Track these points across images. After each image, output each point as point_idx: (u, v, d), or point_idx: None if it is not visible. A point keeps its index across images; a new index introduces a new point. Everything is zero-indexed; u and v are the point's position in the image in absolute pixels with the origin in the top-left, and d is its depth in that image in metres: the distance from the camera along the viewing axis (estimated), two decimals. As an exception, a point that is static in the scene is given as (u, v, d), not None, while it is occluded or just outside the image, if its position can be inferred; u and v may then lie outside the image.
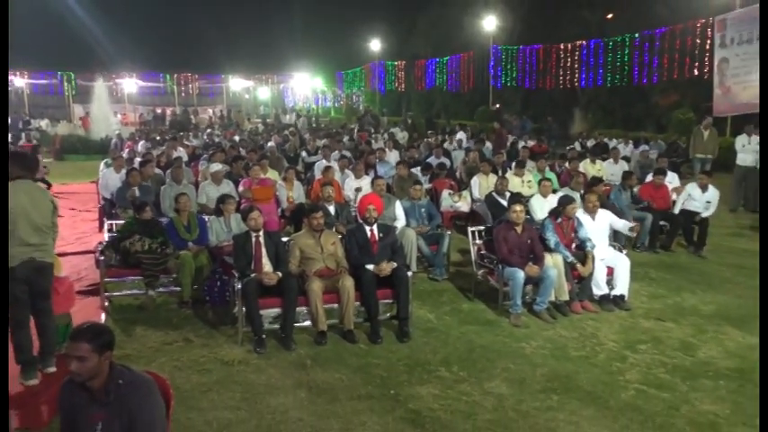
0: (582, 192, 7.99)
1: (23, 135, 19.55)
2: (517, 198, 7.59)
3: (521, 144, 15.61)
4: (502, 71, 29.52)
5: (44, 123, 25.55)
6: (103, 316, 5.90)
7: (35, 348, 4.68)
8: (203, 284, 6.27)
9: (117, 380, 2.61)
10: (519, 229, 6.11)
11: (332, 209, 7.42)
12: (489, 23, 28.54)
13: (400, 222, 7.31)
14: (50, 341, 4.76)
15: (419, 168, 11.00)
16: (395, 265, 5.66)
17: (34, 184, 4.80)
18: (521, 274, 5.82)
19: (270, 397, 4.33)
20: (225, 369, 4.78)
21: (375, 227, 6.04)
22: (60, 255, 7.99)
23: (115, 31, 39.90)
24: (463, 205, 9.23)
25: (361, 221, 6.24)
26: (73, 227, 9.93)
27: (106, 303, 6.19)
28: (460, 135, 17.30)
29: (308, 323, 5.48)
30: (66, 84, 31.72)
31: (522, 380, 4.64)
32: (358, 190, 8.92)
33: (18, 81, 30.85)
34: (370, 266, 5.62)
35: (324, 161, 11.11)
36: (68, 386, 2.65)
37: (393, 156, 12.94)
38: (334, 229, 6.67)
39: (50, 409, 4.05)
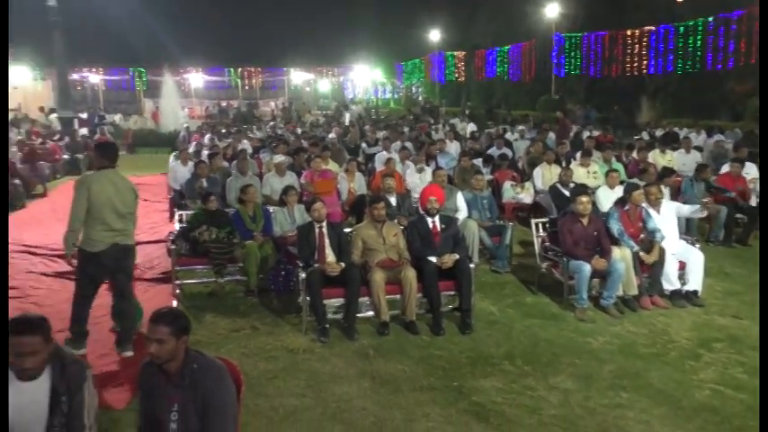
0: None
1: (98, 129, 20.48)
2: (582, 189, 7.39)
3: (585, 134, 15.17)
4: (565, 59, 28.72)
5: (117, 118, 26.72)
6: (175, 303, 6.13)
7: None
8: (268, 274, 6.42)
9: (192, 364, 2.71)
10: (585, 220, 5.95)
11: (393, 200, 7.43)
12: (552, 11, 27.83)
13: (462, 214, 7.26)
14: (129, 326, 5.03)
15: (480, 160, 10.87)
16: (457, 256, 5.63)
17: (118, 174, 5.06)
18: (587, 267, 5.67)
19: (334, 385, 4.40)
20: (290, 357, 4.89)
21: (437, 218, 6.02)
22: (135, 243, 8.42)
23: (183, 29, 41.21)
24: (526, 197, 9.05)
25: (422, 213, 6.23)
26: (146, 217, 10.31)
27: (177, 291, 6.43)
28: (522, 126, 17.00)
29: (370, 313, 5.53)
30: (137, 79, 33.09)
31: (588, 376, 4.53)
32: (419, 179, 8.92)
33: (93, 78, 32.40)
34: (433, 258, 5.61)
35: (384, 152, 11.15)
36: (147, 368, 2.78)
37: (453, 147, 12.85)
38: (395, 221, 6.69)
39: (129, 390, 4.24)
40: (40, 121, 21.40)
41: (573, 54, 28.45)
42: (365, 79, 44.50)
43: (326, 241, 5.79)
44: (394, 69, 45.23)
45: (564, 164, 9.84)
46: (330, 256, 5.72)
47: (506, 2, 32.92)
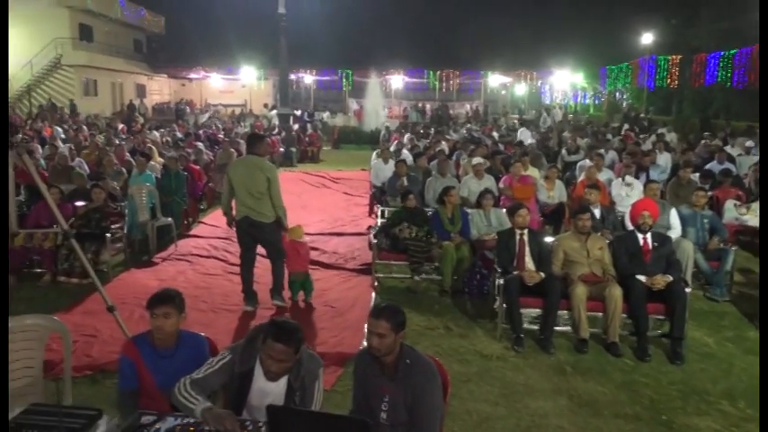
0: None
1: (309, 126, 22.34)
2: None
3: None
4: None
5: (325, 115, 28.90)
6: (373, 294, 6.44)
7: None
8: (463, 276, 6.48)
9: (406, 359, 2.80)
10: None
11: (597, 212, 7.04)
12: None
13: (675, 232, 6.64)
14: (277, 281, 6.05)
15: (697, 174, 9.83)
16: (670, 278, 5.16)
17: (253, 160, 5.89)
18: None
19: (528, 398, 4.29)
20: (483, 362, 4.87)
21: (649, 235, 5.57)
22: (338, 234, 9.03)
23: (388, 32, 43.33)
24: (751, 219, 8.01)
25: (632, 228, 5.81)
26: (347, 210, 11.03)
27: (376, 283, 6.74)
28: (749, 142, 15.06)
29: (567, 328, 5.31)
30: (344, 80, 35.37)
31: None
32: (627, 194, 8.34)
33: (307, 79, 35.36)
34: (642, 277, 5.21)
35: (587, 161, 10.60)
36: (364, 357, 2.94)
37: (664, 158, 11.78)
38: (599, 234, 6.33)
39: (335, 372, 4.53)
40: (265, 116, 23.89)
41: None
42: (564, 83, 42.80)
43: (527, 249, 5.66)
44: (597, 73, 42.87)
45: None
46: (529, 264, 5.59)
47: (735, 1, 29.38)
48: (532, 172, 9.47)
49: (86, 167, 9.62)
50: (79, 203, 7.34)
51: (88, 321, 5.43)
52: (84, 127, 17.70)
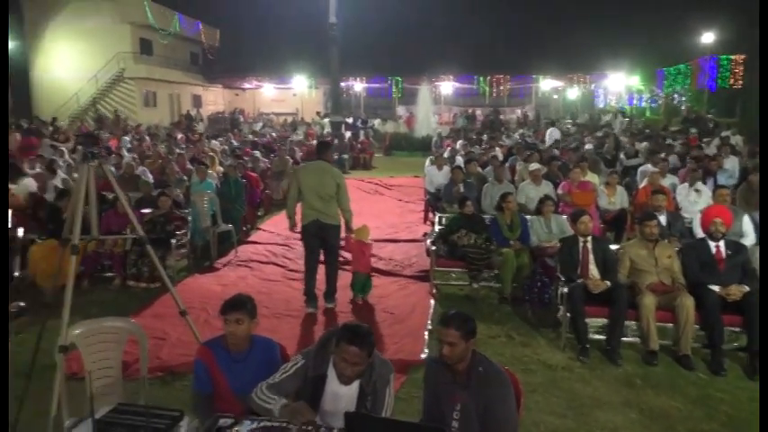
0: None
1: (361, 133, 22.53)
2: None
3: None
4: None
5: (377, 122, 29.08)
6: (432, 302, 6.41)
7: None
8: (523, 283, 6.37)
9: (478, 366, 2.77)
10: None
11: (663, 218, 6.81)
12: None
13: (749, 239, 6.36)
14: (331, 287, 6.23)
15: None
16: (747, 288, 4.94)
17: (322, 165, 6.10)
18: None
19: (597, 410, 4.17)
20: (548, 372, 4.77)
21: (722, 243, 5.36)
22: (393, 241, 9.05)
23: (437, 38, 43.36)
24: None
25: (703, 235, 5.60)
26: (401, 216, 11.04)
27: (434, 290, 6.71)
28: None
29: (635, 339, 5.14)
30: (394, 87, 35.50)
31: None
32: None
33: (357, 86, 35.66)
34: (715, 287, 5.01)
35: (648, 165, 10.29)
36: (435, 364, 2.92)
37: (730, 162, 11.33)
38: (666, 241, 6.12)
39: (398, 379, 4.52)
40: (318, 123, 24.23)
41: None
42: (619, 86, 41.75)
43: (590, 257, 5.53)
44: (654, 75, 41.65)
45: None
46: (594, 272, 5.45)
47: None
48: (591, 177, 9.26)
49: (150, 176, 9.95)
50: (145, 210, 7.62)
51: (157, 324, 5.60)
52: (147, 137, 18.34)
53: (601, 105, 42.06)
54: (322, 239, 6.10)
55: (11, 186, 8.44)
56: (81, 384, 3.48)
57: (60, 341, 3.41)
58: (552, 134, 18.24)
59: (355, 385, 2.80)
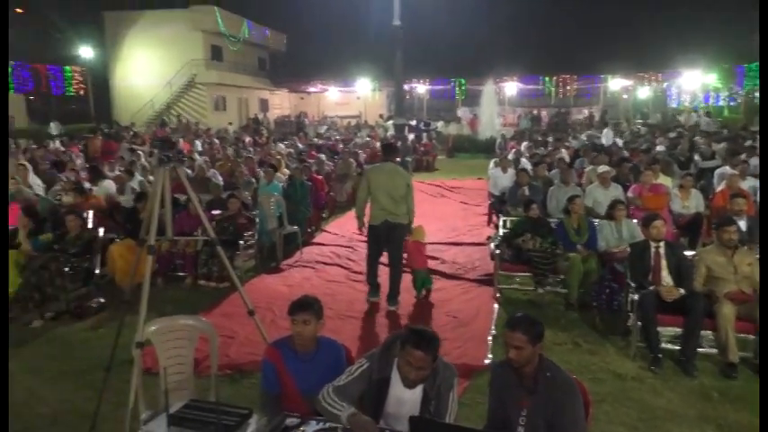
0: None
1: (424, 135, 22.52)
2: None
3: None
4: None
5: (439, 125, 28.98)
6: (496, 306, 6.33)
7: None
8: (590, 289, 6.20)
9: (546, 371, 2.72)
10: None
11: (742, 224, 6.47)
12: None
13: (839, 247, 5.95)
14: (395, 287, 6.32)
15: None
16: (837, 300, 4.62)
17: (393, 166, 6.31)
18: None
19: (671, 424, 4.01)
20: (617, 382, 4.61)
21: (808, 250, 5.04)
22: (456, 244, 8.99)
23: (501, 39, 42.78)
24: None
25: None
26: (465, 219, 10.95)
27: (498, 294, 6.63)
28: None
29: (712, 350, 4.90)
30: (457, 89, 35.30)
31: None
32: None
33: (420, 88, 35.68)
34: (801, 297, 4.71)
35: (727, 168, 9.80)
36: (500, 368, 2.88)
37: (818, 164, 10.63)
38: (746, 248, 5.81)
39: (461, 384, 4.48)
40: (381, 125, 24.38)
41: None
42: (694, 84, 39.92)
43: (663, 262, 5.32)
44: (733, 73, 39.59)
45: None
46: (667, 278, 5.24)
47: None
48: (664, 180, 8.91)
49: (220, 178, 10.28)
50: (215, 212, 7.88)
51: (226, 323, 5.77)
52: (216, 140, 18.98)
53: (674, 105, 40.31)
54: (387, 238, 6.24)
55: (92, 188, 8.93)
56: (155, 379, 3.64)
57: (137, 337, 3.57)
58: (607, 135, 17.65)
59: (419, 389, 2.80)
